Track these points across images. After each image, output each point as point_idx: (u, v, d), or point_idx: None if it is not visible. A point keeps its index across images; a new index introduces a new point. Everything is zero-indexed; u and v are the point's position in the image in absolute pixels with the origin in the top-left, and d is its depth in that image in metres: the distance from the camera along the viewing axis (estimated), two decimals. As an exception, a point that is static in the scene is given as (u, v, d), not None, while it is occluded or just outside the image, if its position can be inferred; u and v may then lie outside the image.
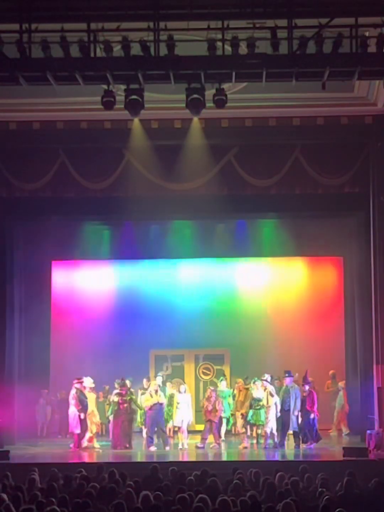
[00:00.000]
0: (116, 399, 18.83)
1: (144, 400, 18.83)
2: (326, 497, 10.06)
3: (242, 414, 19.47)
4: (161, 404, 18.74)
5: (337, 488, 11.17)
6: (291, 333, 22.37)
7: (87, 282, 23.12)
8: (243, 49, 14.15)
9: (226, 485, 11.33)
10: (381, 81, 15.86)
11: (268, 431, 18.70)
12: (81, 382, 18.94)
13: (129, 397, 18.86)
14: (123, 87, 14.95)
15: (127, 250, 21.94)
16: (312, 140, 18.42)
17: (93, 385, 19.36)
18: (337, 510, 9.03)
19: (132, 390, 19.21)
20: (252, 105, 17.86)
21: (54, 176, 18.54)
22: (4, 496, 9.84)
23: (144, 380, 20.38)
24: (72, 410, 18.68)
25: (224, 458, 17.81)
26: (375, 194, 18.37)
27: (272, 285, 23.04)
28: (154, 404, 18.61)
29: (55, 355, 22.18)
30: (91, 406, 19.17)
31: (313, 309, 22.65)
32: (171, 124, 18.19)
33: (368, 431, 17.71)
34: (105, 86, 14.79)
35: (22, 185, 18.64)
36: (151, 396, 18.67)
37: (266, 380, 18.93)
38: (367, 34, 14.22)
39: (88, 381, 19.17)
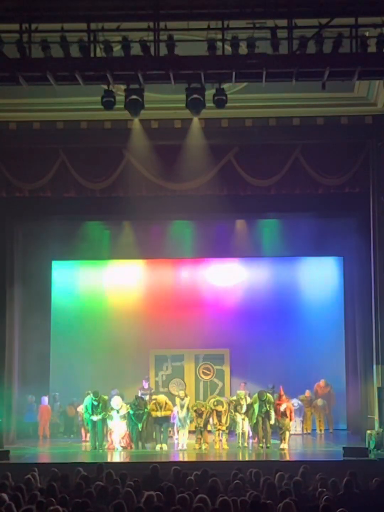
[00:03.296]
0: (131, 411, 18.59)
1: (152, 413, 18.65)
2: (326, 497, 10.05)
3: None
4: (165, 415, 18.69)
5: (337, 488, 11.16)
6: (291, 333, 22.41)
7: (87, 282, 23.12)
8: (243, 49, 14.16)
9: (226, 485, 11.32)
10: (381, 81, 15.91)
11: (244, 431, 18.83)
12: None
13: (143, 412, 18.62)
14: (123, 87, 14.97)
15: (127, 250, 21.93)
16: (312, 140, 18.40)
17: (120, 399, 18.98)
18: (338, 510, 9.01)
19: (147, 404, 18.94)
20: (252, 105, 17.86)
21: (54, 176, 18.52)
22: (5, 496, 9.83)
23: (143, 381, 20.35)
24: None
25: (224, 458, 17.80)
26: (375, 194, 18.38)
27: (272, 285, 23.00)
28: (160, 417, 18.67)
29: (55, 355, 22.16)
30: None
31: (313, 309, 22.65)
32: (171, 124, 18.17)
33: (368, 431, 17.72)
34: (105, 86, 14.82)
35: (22, 185, 18.62)
36: (157, 409, 18.58)
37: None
38: (367, 34, 14.23)
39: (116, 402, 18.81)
